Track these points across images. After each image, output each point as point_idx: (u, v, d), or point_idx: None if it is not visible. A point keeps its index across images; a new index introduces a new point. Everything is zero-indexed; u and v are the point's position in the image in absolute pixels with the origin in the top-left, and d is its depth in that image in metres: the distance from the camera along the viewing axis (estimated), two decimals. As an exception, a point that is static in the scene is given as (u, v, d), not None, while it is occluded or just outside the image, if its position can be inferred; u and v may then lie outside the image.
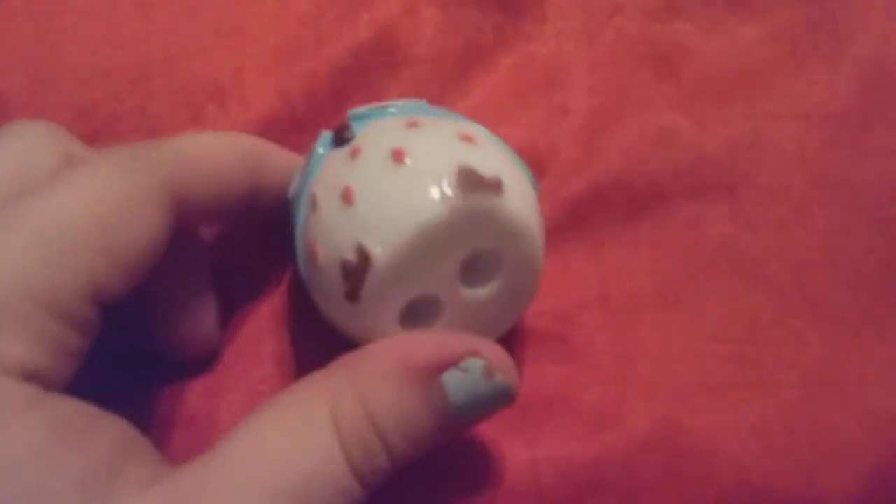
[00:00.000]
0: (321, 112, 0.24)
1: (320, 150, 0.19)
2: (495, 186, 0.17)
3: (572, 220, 0.23)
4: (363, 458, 0.16)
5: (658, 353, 0.22)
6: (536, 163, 0.24)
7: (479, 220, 0.17)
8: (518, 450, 0.20)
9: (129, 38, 0.25)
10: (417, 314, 0.18)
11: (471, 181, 0.16)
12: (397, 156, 0.17)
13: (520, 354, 0.22)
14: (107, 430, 0.16)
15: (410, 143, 0.17)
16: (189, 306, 0.20)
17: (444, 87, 0.25)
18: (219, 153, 0.19)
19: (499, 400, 0.17)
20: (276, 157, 0.21)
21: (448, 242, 0.16)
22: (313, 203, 0.18)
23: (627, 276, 0.23)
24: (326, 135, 0.20)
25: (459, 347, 0.17)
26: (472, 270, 0.18)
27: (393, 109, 0.20)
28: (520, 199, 0.17)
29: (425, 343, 0.17)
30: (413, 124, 0.18)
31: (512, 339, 0.22)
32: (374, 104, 0.20)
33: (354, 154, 0.18)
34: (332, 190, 0.17)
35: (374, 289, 0.17)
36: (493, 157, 0.18)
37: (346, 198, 0.17)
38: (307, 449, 0.16)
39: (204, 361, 0.21)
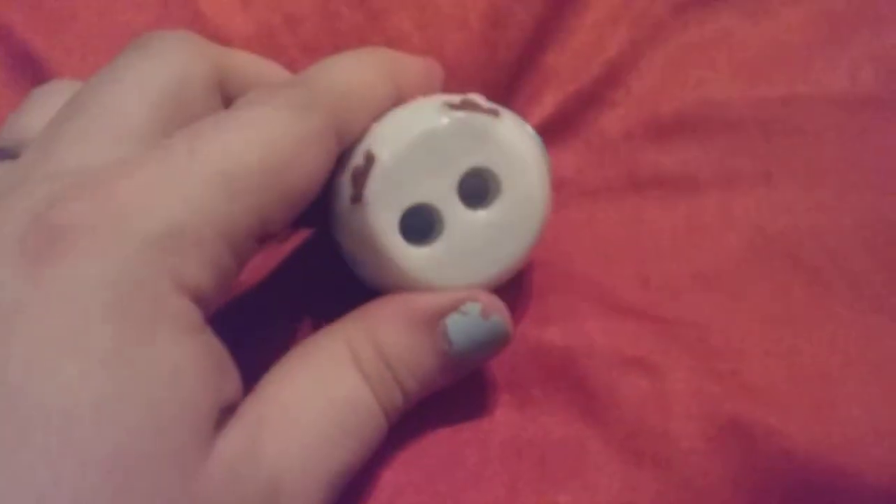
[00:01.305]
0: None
1: None
2: (493, 112, 0.19)
3: (606, 200, 0.24)
4: (383, 393, 0.18)
5: (698, 326, 0.22)
6: (572, 159, 0.25)
7: (475, 135, 0.19)
8: None
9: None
10: (418, 228, 0.19)
11: (471, 105, 0.19)
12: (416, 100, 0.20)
13: (563, 325, 0.22)
14: (234, 374, 0.17)
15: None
16: None
17: None
18: (372, 84, 0.19)
19: (495, 340, 0.19)
20: (413, 71, 0.21)
21: (447, 153, 0.19)
22: None
23: (664, 260, 0.23)
24: None
25: (459, 294, 0.19)
26: (475, 194, 0.19)
27: None
28: (516, 132, 0.20)
29: (429, 293, 0.19)
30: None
31: (552, 314, 0.22)
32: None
33: None
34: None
35: (376, 188, 0.19)
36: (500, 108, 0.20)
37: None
38: (336, 381, 0.18)
39: None
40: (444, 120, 0.19)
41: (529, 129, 0.21)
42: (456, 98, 0.19)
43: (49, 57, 0.26)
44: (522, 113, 0.26)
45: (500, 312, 0.19)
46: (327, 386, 0.18)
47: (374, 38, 0.26)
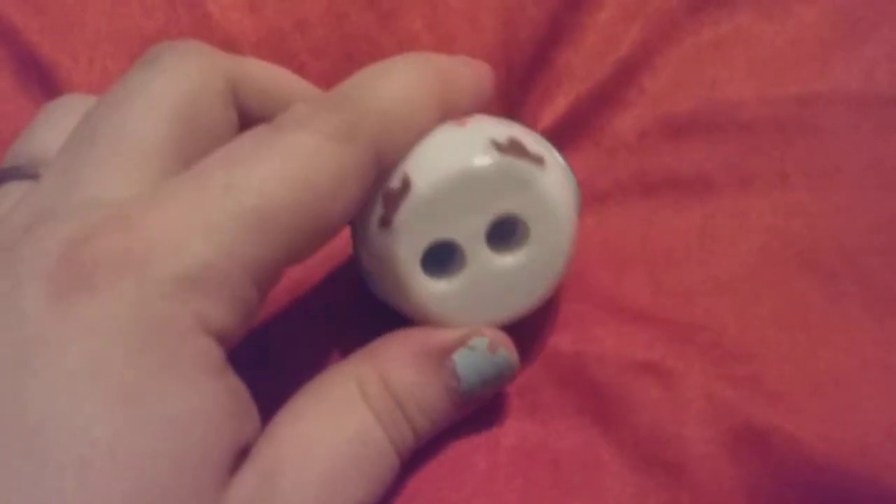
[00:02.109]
0: None
1: None
2: (538, 160, 0.19)
3: (619, 201, 0.24)
4: (394, 431, 0.18)
5: (713, 329, 0.22)
6: (585, 160, 0.24)
7: (516, 183, 0.19)
8: None
9: (189, 3, 0.26)
10: (441, 262, 0.19)
11: (518, 149, 0.19)
12: (461, 121, 0.19)
13: (574, 331, 0.22)
14: (253, 414, 0.16)
15: (476, 116, 0.19)
16: None
17: None
18: (420, 105, 0.18)
19: (502, 374, 0.19)
20: (463, 84, 0.20)
21: (484, 195, 0.18)
22: None
23: (677, 262, 0.23)
24: None
25: (465, 330, 0.19)
26: (500, 237, 0.19)
27: None
28: (557, 185, 0.19)
29: (437, 329, 0.19)
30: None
31: (563, 320, 0.22)
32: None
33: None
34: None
35: (406, 216, 0.18)
36: (545, 146, 0.19)
37: None
38: (348, 421, 0.18)
39: None
40: (488, 161, 0.18)
41: (569, 175, 0.21)
42: (503, 134, 0.19)
43: (57, 62, 0.26)
44: (535, 113, 0.26)
45: (506, 346, 0.19)
46: (339, 426, 0.17)
47: (384, 39, 0.26)
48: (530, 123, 0.26)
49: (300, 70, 0.22)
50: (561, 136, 0.25)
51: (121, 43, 0.26)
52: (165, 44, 0.19)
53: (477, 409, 0.21)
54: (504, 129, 0.19)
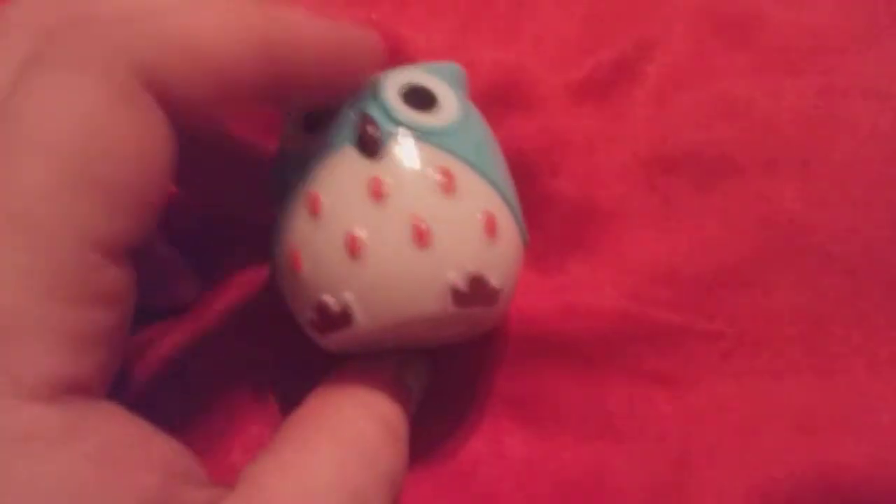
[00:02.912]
0: None
1: (337, 140, 0.17)
2: (493, 299, 0.17)
3: (639, 190, 0.23)
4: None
5: (725, 335, 0.21)
6: (606, 128, 0.23)
7: (469, 320, 0.17)
8: None
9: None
10: None
11: (477, 293, 0.16)
12: (420, 237, 0.16)
13: (588, 330, 0.21)
14: (155, 451, 0.13)
15: (436, 222, 0.16)
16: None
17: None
18: (219, 36, 0.14)
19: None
20: (312, 42, 0.15)
21: (433, 326, 0.17)
22: (313, 207, 0.16)
23: (696, 251, 0.22)
24: (347, 116, 0.17)
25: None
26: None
27: (420, 76, 0.18)
28: (507, 295, 0.17)
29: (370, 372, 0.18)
30: (448, 185, 0.16)
31: (579, 316, 0.21)
32: (402, 69, 0.18)
33: (376, 195, 0.16)
34: (339, 217, 0.16)
35: (343, 340, 0.17)
36: (509, 253, 0.17)
37: (352, 244, 0.16)
38: (355, 469, 0.15)
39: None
40: (442, 311, 0.16)
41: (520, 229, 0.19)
42: (463, 278, 0.16)
43: None
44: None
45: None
46: (346, 476, 0.15)
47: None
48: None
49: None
50: (582, 95, 0.24)
51: None
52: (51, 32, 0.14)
53: (479, 421, 0.20)
54: (467, 255, 0.16)
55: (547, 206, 0.23)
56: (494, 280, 0.17)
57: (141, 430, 0.14)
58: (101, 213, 0.13)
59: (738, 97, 0.23)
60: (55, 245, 0.12)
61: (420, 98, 0.17)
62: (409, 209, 0.16)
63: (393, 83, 0.17)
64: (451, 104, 0.17)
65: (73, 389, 0.12)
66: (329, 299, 0.16)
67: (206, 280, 0.23)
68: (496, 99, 0.23)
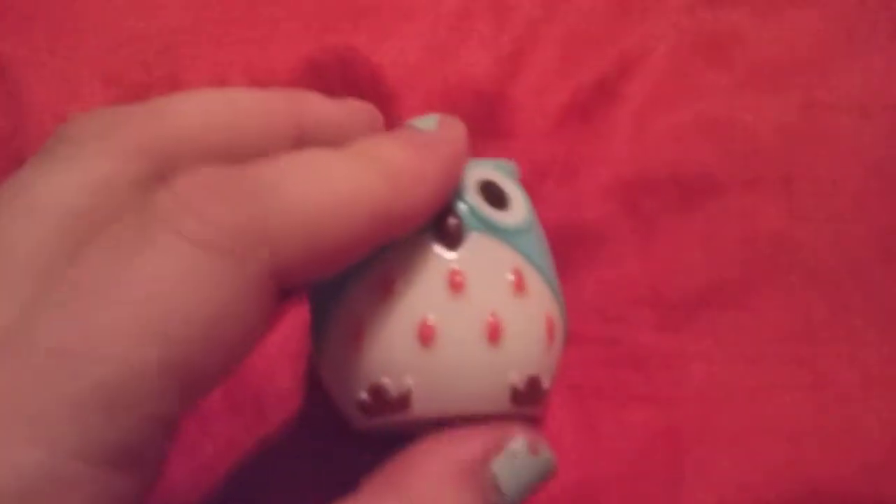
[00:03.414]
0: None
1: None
2: (543, 400, 0.17)
3: (622, 210, 0.23)
4: None
5: (712, 355, 0.21)
6: (587, 151, 0.23)
7: (514, 417, 0.16)
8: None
9: (155, 4, 0.24)
10: None
11: (531, 394, 0.16)
12: (493, 334, 0.16)
13: (568, 356, 0.21)
14: None
15: (508, 322, 0.16)
16: None
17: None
18: (347, 211, 0.13)
19: (546, 474, 0.16)
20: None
21: (480, 420, 0.16)
22: (386, 286, 0.16)
23: (680, 272, 0.22)
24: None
25: (499, 433, 0.15)
26: None
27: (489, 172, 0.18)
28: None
29: (468, 437, 0.15)
30: (519, 285, 0.16)
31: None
32: (472, 163, 0.18)
33: (455, 286, 0.16)
34: (414, 302, 0.16)
35: (385, 423, 0.16)
36: (558, 354, 0.17)
37: (424, 331, 0.16)
38: None
39: None
40: (498, 409, 0.16)
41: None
42: (524, 370, 0.16)
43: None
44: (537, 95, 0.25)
45: (544, 442, 0.16)
46: None
47: None
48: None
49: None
50: (564, 121, 0.24)
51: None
52: (77, 120, 0.14)
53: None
54: (533, 356, 0.16)
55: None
56: (546, 382, 0.17)
57: None
58: (176, 396, 0.12)
59: (719, 116, 0.23)
60: (127, 418, 0.12)
61: (494, 194, 0.17)
62: (486, 305, 0.16)
63: (470, 176, 0.17)
64: (520, 204, 0.18)
65: None
66: (388, 382, 0.16)
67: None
68: (476, 123, 0.23)
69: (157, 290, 0.12)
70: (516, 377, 0.16)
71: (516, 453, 0.15)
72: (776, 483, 0.19)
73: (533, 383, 0.16)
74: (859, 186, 0.23)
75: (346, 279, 0.16)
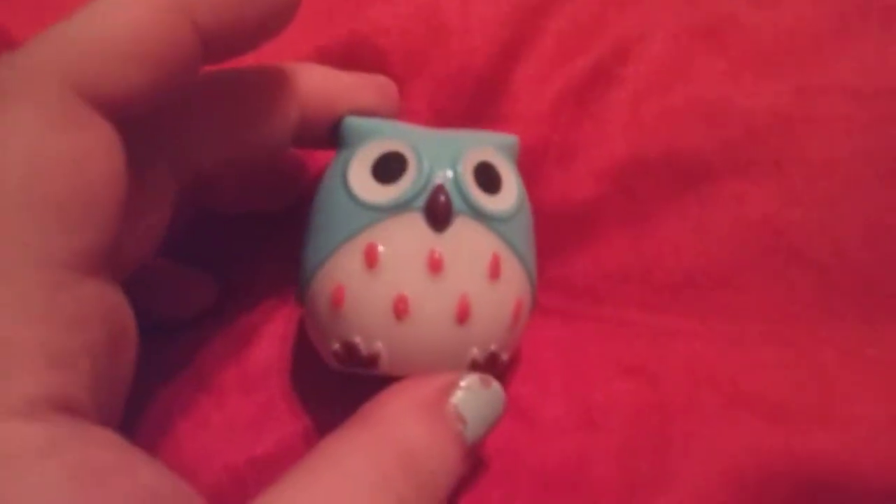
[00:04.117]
0: None
1: (406, 198, 0.18)
2: (500, 370, 0.19)
3: (615, 191, 0.23)
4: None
5: (698, 334, 0.22)
6: (583, 133, 0.24)
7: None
8: None
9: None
10: None
11: (489, 366, 0.18)
12: (462, 315, 0.18)
13: (558, 331, 0.22)
14: (136, 475, 0.14)
15: (478, 304, 0.18)
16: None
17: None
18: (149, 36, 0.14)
19: (498, 408, 0.18)
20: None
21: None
22: (370, 256, 0.17)
23: (670, 254, 0.23)
24: (420, 175, 0.18)
25: (455, 375, 0.18)
26: None
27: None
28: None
29: (429, 378, 0.18)
30: (494, 271, 0.18)
31: (549, 316, 0.22)
32: (473, 136, 0.19)
33: (433, 267, 0.17)
34: (393, 276, 0.17)
35: (357, 371, 0.18)
36: (522, 331, 0.19)
37: (400, 305, 0.17)
38: None
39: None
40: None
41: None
42: (483, 355, 0.18)
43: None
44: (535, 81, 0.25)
45: (493, 379, 0.18)
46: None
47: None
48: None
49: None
50: (560, 107, 0.24)
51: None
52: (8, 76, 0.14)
53: None
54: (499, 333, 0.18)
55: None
56: (504, 356, 0.19)
57: (129, 456, 0.14)
58: (54, 230, 0.13)
59: (714, 100, 0.24)
60: (14, 269, 0.13)
61: (488, 178, 0.18)
62: (460, 287, 0.17)
63: (468, 158, 0.18)
64: (511, 189, 0.19)
65: (58, 407, 0.13)
66: (360, 341, 0.18)
67: (226, 285, 0.23)
68: (477, 108, 0.24)
69: None
70: (478, 353, 0.18)
71: (471, 386, 0.18)
72: (758, 455, 0.20)
73: (492, 357, 0.18)
74: (850, 171, 0.23)
75: (334, 241, 0.18)
